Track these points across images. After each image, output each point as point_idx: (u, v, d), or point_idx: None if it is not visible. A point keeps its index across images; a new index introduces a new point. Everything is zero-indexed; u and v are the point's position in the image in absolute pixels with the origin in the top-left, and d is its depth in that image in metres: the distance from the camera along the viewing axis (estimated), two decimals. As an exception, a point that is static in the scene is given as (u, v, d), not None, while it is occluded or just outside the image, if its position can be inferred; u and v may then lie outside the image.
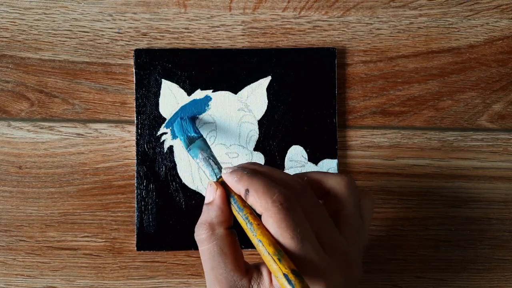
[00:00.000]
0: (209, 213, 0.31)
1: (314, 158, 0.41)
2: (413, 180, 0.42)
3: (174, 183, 0.40)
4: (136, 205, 0.40)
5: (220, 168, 0.35)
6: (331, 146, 0.41)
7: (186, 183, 0.41)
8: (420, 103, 0.42)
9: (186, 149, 0.37)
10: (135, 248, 0.40)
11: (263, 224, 0.29)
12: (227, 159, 0.41)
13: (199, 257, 0.41)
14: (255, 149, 0.41)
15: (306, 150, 0.41)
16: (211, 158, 0.35)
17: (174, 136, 0.40)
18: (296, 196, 0.29)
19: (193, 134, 0.38)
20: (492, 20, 0.42)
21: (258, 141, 0.41)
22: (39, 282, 0.41)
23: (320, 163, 0.41)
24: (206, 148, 0.36)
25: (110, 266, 0.41)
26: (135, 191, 0.40)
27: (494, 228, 0.42)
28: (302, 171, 0.37)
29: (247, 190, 0.29)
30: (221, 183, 0.32)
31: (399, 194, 0.42)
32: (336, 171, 0.41)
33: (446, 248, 0.42)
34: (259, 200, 0.29)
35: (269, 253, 0.28)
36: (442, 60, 0.42)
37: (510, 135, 0.42)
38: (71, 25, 0.41)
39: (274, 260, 0.27)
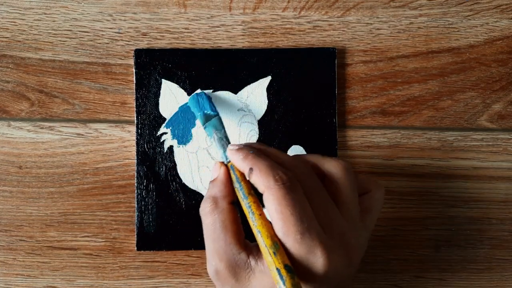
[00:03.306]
0: (213, 189, 0.32)
1: (314, 158, 0.41)
2: (413, 180, 0.42)
3: (174, 183, 0.40)
4: (136, 205, 0.40)
5: None
6: (331, 146, 0.41)
7: (186, 183, 0.41)
8: (420, 103, 0.42)
9: (203, 125, 0.37)
10: (135, 248, 0.40)
11: (264, 215, 0.30)
12: (227, 159, 0.41)
13: (199, 257, 0.41)
14: (255, 149, 0.41)
15: (306, 150, 0.41)
16: (224, 139, 0.35)
17: (174, 135, 0.40)
18: (298, 177, 0.30)
19: (209, 111, 0.38)
20: (492, 20, 0.42)
21: (258, 141, 0.41)
22: (39, 282, 0.41)
23: (320, 163, 0.41)
24: (220, 128, 0.36)
25: (110, 266, 0.41)
26: (135, 191, 0.40)
27: (494, 228, 0.42)
28: None
29: (251, 169, 0.30)
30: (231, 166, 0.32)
31: (399, 194, 0.42)
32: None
33: (446, 248, 0.42)
34: (261, 179, 0.29)
35: (266, 245, 0.28)
36: (442, 60, 0.42)
37: (510, 135, 0.42)
38: (71, 25, 0.41)
39: (270, 253, 0.28)
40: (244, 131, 0.41)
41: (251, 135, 0.41)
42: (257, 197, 0.30)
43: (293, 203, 0.28)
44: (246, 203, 0.30)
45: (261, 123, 0.41)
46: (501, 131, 0.42)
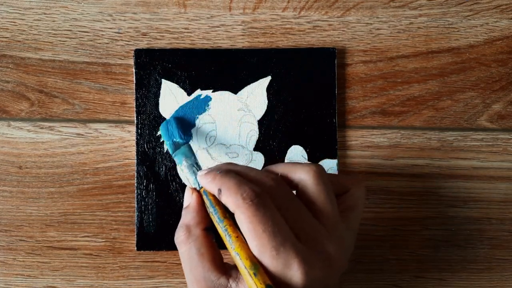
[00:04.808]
0: (186, 216, 0.32)
1: (314, 158, 0.41)
2: (413, 180, 0.42)
3: (174, 183, 0.40)
4: (136, 205, 0.40)
5: None
6: (331, 146, 0.41)
7: (186, 183, 0.41)
8: (420, 103, 0.42)
9: (172, 154, 0.37)
10: (135, 248, 0.40)
11: (241, 237, 0.29)
12: (227, 159, 0.41)
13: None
14: (255, 149, 0.41)
15: (306, 150, 0.41)
16: (195, 166, 0.36)
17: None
18: (268, 191, 0.30)
19: (178, 139, 0.38)
20: (492, 20, 0.42)
21: (258, 141, 0.41)
22: (39, 282, 0.41)
23: (320, 163, 0.41)
24: (190, 155, 0.36)
25: (110, 266, 0.41)
26: (135, 191, 0.40)
27: (494, 228, 0.42)
28: None
29: (219, 190, 0.30)
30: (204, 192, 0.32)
31: (399, 194, 0.42)
32: (336, 171, 0.41)
33: (446, 248, 0.42)
34: (230, 198, 0.29)
35: (245, 267, 0.28)
36: (442, 60, 0.42)
37: (510, 135, 0.42)
38: (71, 25, 0.41)
39: (250, 275, 0.28)
40: (244, 131, 0.41)
41: (251, 135, 0.41)
42: (233, 219, 0.30)
43: (264, 219, 0.28)
44: (222, 227, 0.30)
45: (261, 123, 0.41)
46: (501, 131, 0.42)
